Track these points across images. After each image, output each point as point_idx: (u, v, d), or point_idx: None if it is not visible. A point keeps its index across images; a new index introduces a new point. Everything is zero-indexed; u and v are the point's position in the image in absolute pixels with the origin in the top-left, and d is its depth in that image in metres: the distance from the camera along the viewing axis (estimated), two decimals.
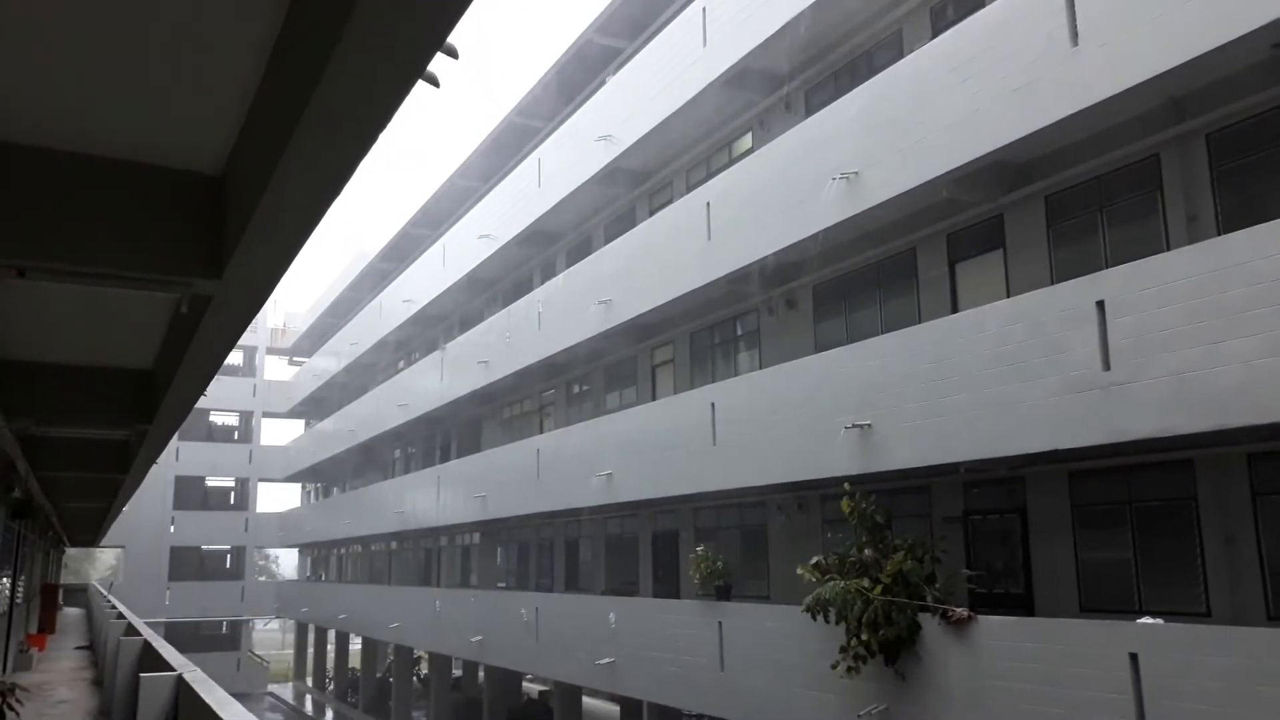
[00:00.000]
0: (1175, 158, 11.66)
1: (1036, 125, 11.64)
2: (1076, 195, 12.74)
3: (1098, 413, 10.20)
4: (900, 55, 15.07)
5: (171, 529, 48.52)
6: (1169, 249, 11.17)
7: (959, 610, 11.38)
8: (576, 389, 25.08)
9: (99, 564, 74.71)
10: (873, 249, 15.40)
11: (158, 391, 7.44)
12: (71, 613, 36.46)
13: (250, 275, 4.14)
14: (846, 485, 12.80)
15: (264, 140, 3.62)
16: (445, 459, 31.90)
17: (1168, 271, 9.85)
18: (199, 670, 6.65)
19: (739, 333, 19.05)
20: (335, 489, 46.58)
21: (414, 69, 3.12)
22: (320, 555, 51.24)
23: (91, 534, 30.39)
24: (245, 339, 50.80)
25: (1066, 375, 10.55)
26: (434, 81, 3.53)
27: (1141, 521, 11.70)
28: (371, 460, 40.59)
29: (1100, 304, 10.29)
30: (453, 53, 3.45)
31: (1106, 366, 10.15)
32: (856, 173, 13.89)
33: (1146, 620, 9.82)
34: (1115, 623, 10.09)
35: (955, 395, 11.81)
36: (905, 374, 12.58)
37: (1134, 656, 9.42)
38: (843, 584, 12.43)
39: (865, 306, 15.84)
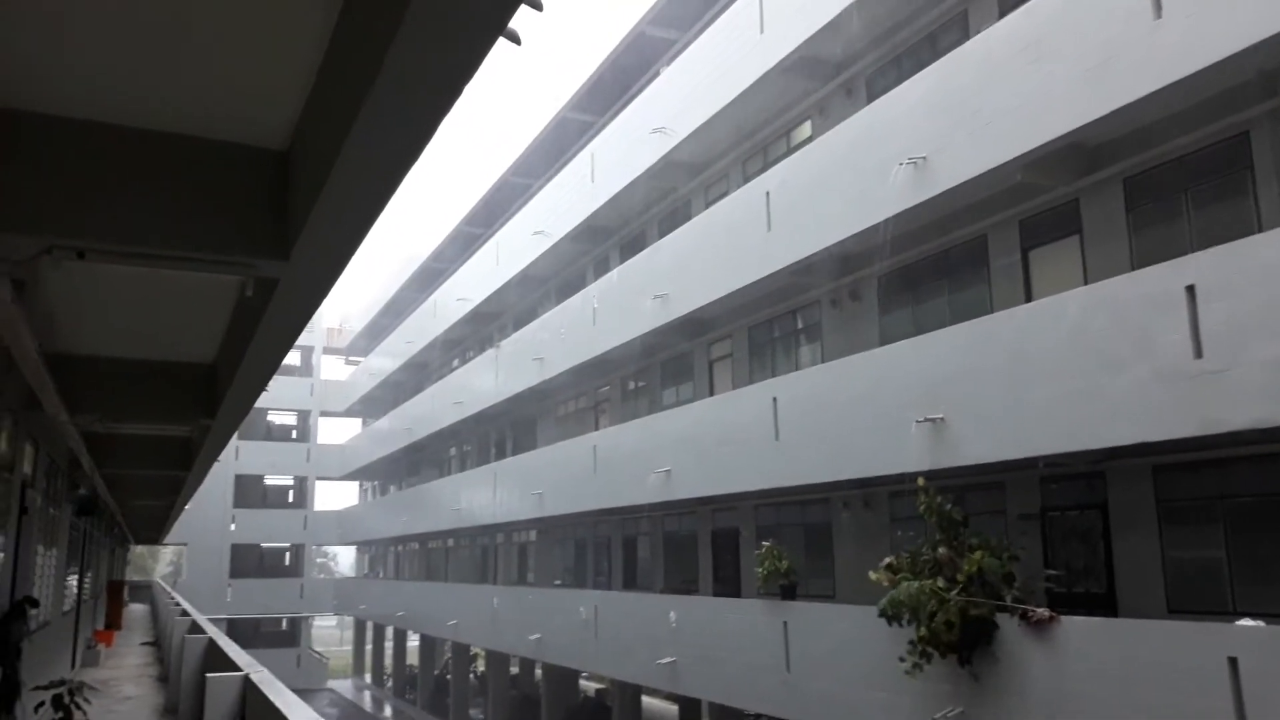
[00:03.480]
0: (1266, 135, 11.07)
1: (1115, 105, 11.13)
2: (1158, 177, 12.18)
3: (1189, 403, 9.69)
4: (966, 37, 14.57)
5: (232, 527, 49.23)
6: (1261, 231, 10.60)
7: (1040, 611, 10.93)
8: (632, 385, 24.86)
9: (163, 561, 76.26)
10: (941, 237, 14.95)
11: (221, 386, 7.31)
12: (137, 609, 37.14)
13: (318, 256, 3.93)
14: (921, 480, 12.38)
15: (332, 110, 3.39)
16: (501, 456, 31.89)
17: (1264, 253, 9.31)
18: (265, 670, 6.52)
19: (800, 326, 18.67)
20: (392, 487, 46.90)
21: (496, 22, 2.86)
22: (378, 553, 51.64)
23: (155, 531, 30.88)
24: (302, 339, 51.37)
25: (1154, 364, 10.04)
26: (515, 39, 3.26)
27: (1234, 518, 11.13)
28: (427, 458, 40.76)
29: (1190, 288, 9.77)
30: (536, 4, 3.17)
31: (1198, 354, 9.63)
32: (924, 158, 13.44)
33: (1246, 622, 9.30)
34: (1211, 624, 9.58)
35: (1033, 387, 11.34)
36: (979, 366, 12.13)
37: (1233, 661, 8.91)
38: (917, 584, 12.02)
39: (933, 297, 15.38)
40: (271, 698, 4.82)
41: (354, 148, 3.25)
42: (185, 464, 12.16)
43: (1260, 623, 9.32)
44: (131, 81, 3.61)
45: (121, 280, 5.18)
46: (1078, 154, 12.62)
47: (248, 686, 6.17)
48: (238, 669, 6.96)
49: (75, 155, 3.67)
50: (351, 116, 3.12)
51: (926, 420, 12.65)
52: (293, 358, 53.20)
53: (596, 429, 25.13)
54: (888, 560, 12.73)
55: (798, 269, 16.55)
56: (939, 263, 15.27)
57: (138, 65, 3.52)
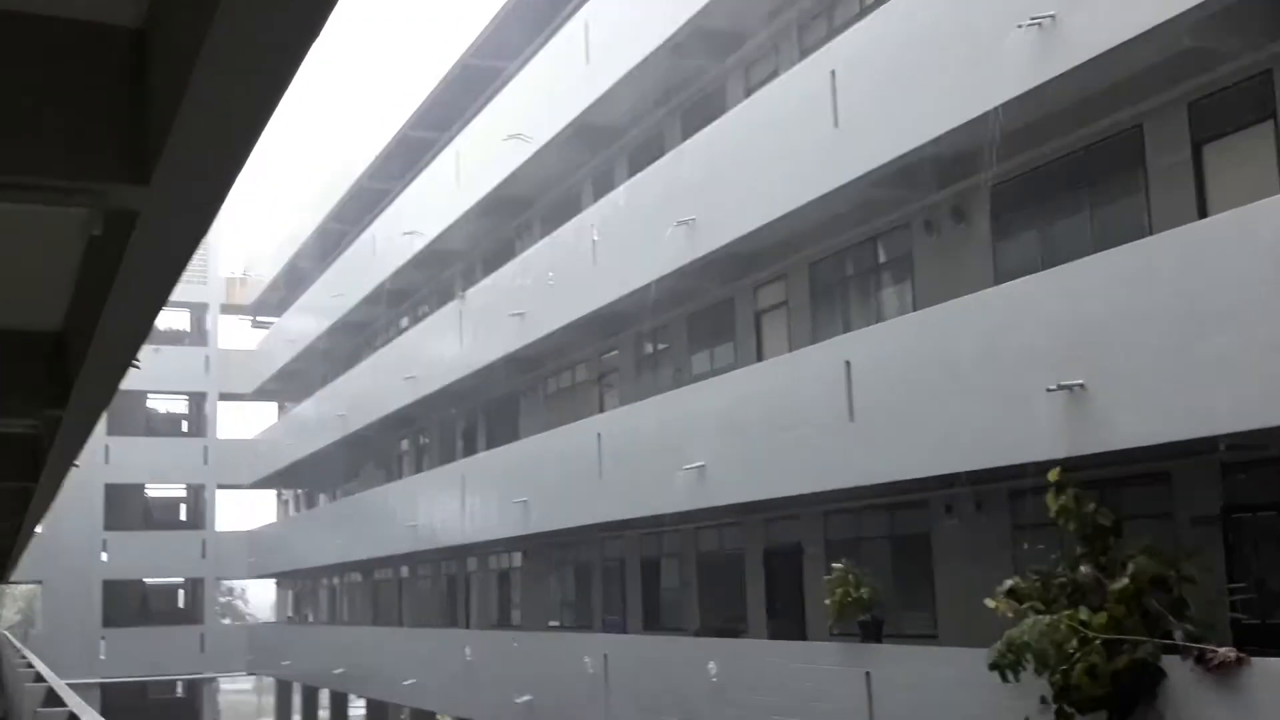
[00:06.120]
0: None
1: None
2: None
3: None
4: None
5: (104, 557, 49.56)
6: None
7: (1223, 650, 10.95)
8: (649, 348, 24.88)
9: (11, 606, 77.15)
10: (1079, 129, 14.84)
11: (72, 362, 7.32)
12: None
13: (190, 176, 3.88)
14: (1054, 473, 12.36)
15: None
16: (471, 451, 32.03)
17: None
18: None
19: (881, 260, 18.64)
20: (323, 496, 47.24)
21: None
22: (305, 588, 52.09)
23: None
24: (191, 292, 51.32)
25: None
26: None
27: None
28: (371, 455, 41.00)
29: None
30: None
31: None
32: (1053, 17, 13.30)
33: None
34: None
35: (1214, 337, 11.29)
36: (1135, 309, 12.11)
37: None
38: (1048, 618, 12.05)
39: (1068, 214, 15.33)
40: None
41: (230, 19, 3.19)
42: (32, 472, 12.21)
43: None
44: None
45: None
46: (1271, 5, 12.45)
47: None
48: None
49: None
50: None
51: (1061, 388, 12.60)
52: (179, 320, 53.36)
53: (601, 410, 25.16)
54: (1010, 583, 12.74)
55: (878, 179, 16.45)
56: (1076, 165, 15.18)
57: None
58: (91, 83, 3.83)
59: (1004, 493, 15.88)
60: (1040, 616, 12.11)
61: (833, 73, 16.79)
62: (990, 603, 12.80)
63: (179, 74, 3.49)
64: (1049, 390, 12.72)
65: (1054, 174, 15.43)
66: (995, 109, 14.08)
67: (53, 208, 4.09)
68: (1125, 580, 11.81)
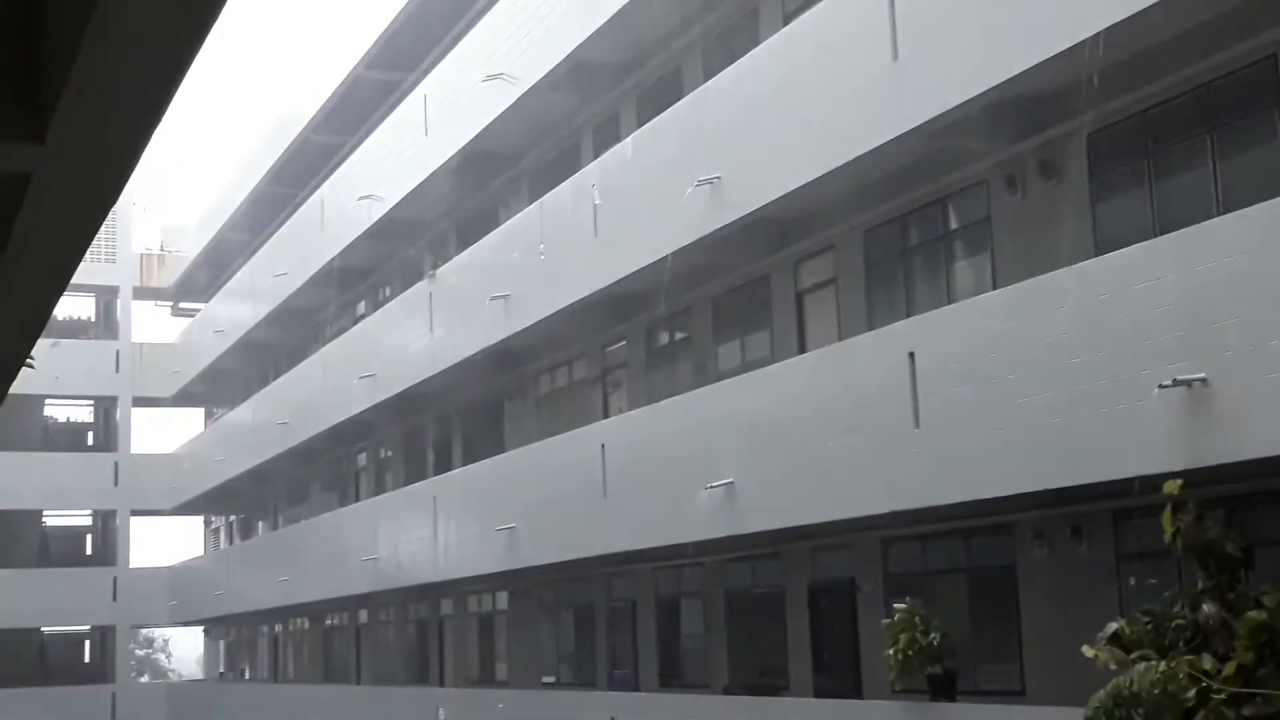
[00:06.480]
0: None
1: None
2: None
3: None
4: None
5: None
6: None
7: None
8: (665, 338, 24.95)
9: None
10: (1199, 61, 14.75)
11: None
12: None
13: (93, 135, 3.88)
14: (1170, 487, 12.30)
15: None
16: (444, 468, 32.11)
17: None
18: None
19: (953, 226, 18.69)
20: (261, 524, 47.26)
21: None
22: (241, 638, 52.15)
23: None
24: (97, 273, 51.26)
25: None
26: None
27: None
28: (320, 473, 41.12)
29: None
30: None
31: None
32: None
33: None
34: None
35: None
36: (1272, 285, 12.05)
37: None
38: (1162, 666, 12.02)
39: (1187, 166, 15.30)
40: None
41: None
42: None
43: None
44: None
45: None
46: None
47: None
48: None
49: None
50: None
51: (1178, 384, 12.55)
52: (84, 306, 53.29)
53: (606, 415, 25.17)
54: (1114, 627, 12.71)
55: (948, 125, 16.43)
56: (1196, 104, 15.15)
57: None
58: None
59: (1107, 515, 15.89)
60: (1153, 663, 12.07)
61: None
62: (1089, 651, 12.76)
63: (75, 18, 3.49)
64: (1162, 386, 12.69)
65: (1168, 117, 15.40)
66: (1096, 35, 14.03)
67: None
68: (1258, 619, 11.77)
